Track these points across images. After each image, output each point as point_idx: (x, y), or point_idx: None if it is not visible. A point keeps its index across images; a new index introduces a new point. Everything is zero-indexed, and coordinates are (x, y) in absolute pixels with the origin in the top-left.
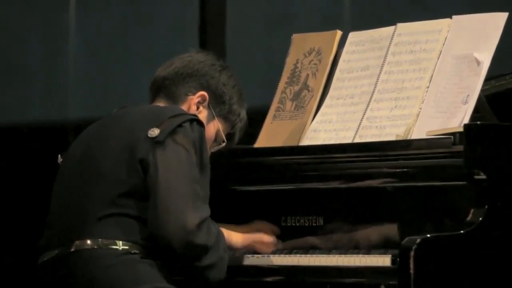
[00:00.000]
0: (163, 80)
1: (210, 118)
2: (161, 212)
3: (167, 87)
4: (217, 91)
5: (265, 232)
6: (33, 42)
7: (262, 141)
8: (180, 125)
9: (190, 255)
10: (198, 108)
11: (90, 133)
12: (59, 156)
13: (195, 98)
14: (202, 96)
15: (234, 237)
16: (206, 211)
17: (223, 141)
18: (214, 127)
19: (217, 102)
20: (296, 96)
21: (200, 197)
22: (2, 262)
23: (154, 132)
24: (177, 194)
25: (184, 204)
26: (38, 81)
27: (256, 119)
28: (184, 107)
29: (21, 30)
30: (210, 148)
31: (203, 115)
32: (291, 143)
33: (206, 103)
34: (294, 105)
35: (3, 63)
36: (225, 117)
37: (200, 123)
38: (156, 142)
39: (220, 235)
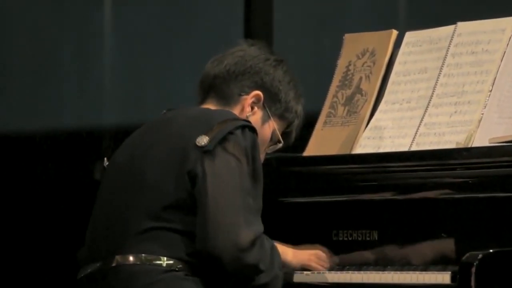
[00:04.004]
0: (213, 78)
1: (266, 118)
2: (210, 227)
3: (218, 87)
4: (273, 89)
5: (320, 249)
6: (66, 42)
7: (312, 149)
8: (231, 132)
9: (241, 274)
10: (252, 108)
11: (135, 140)
12: (105, 159)
13: (249, 99)
14: (257, 96)
15: (290, 253)
16: (259, 226)
17: (279, 141)
18: (269, 128)
19: (272, 101)
20: (349, 100)
21: (252, 211)
22: (34, 272)
23: (203, 140)
24: (228, 207)
25: (236, 218)
26: (71, 84)
27: (306, 126)
28: (237, 109)
29: (53, 30)
30: (266, 149)
31: (257, 116)
32: (343, 151)
33: (261, 103)
34: (346, 110)
35: (34, 65)
36: (281, 116)
37: (252, 129)
38: (205, 151)
39: (274, 252)
